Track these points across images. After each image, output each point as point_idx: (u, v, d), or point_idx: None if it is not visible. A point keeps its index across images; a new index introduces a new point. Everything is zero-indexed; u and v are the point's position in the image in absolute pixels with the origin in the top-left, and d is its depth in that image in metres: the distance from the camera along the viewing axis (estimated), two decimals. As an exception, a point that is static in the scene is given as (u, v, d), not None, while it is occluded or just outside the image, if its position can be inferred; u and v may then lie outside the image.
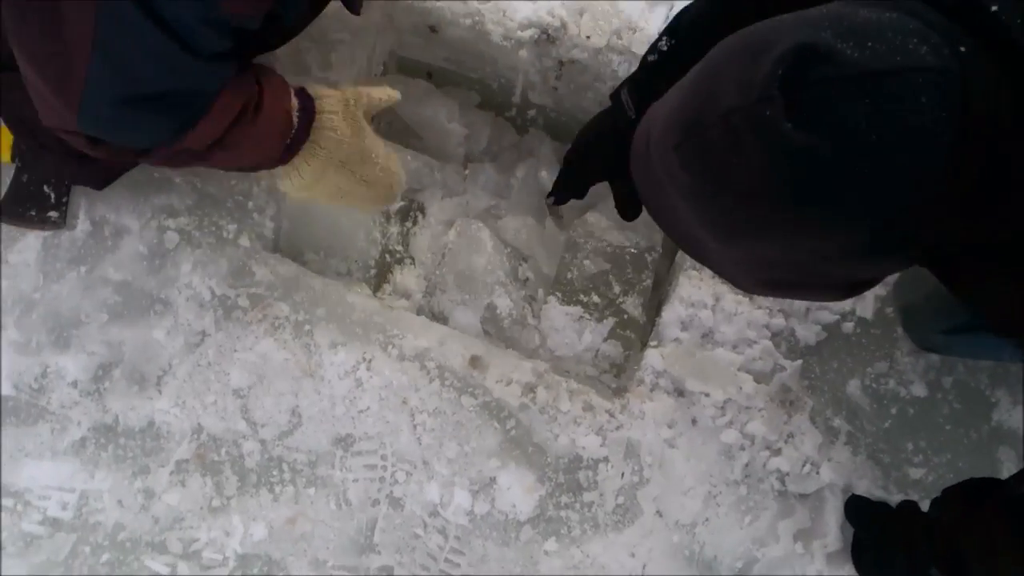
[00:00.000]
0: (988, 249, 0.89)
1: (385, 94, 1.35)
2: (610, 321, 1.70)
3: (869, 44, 0.75)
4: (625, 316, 1.71)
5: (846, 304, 1.54)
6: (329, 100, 1.29)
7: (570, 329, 1.68)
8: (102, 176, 1.50)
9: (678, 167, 0.87)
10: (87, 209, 1.53)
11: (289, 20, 1.20)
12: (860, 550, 1.41)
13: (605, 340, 1.69)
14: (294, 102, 1.26)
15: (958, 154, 0.75)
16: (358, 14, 1.31)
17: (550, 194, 1.46)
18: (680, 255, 1.67)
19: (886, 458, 1.46)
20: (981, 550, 1.13)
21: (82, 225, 1.53)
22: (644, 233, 1.75)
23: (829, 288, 0.94)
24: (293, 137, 1.26)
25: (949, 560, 1.19)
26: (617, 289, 1.72)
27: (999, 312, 0.95)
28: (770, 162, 0.78)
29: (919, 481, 1.45)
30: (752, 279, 0.97)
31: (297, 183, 1.31)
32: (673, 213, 0.93)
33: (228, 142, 1.20)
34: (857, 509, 1.43)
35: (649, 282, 1.74)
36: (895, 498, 1.43)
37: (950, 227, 0.82)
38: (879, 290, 1.55)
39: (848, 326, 1.54)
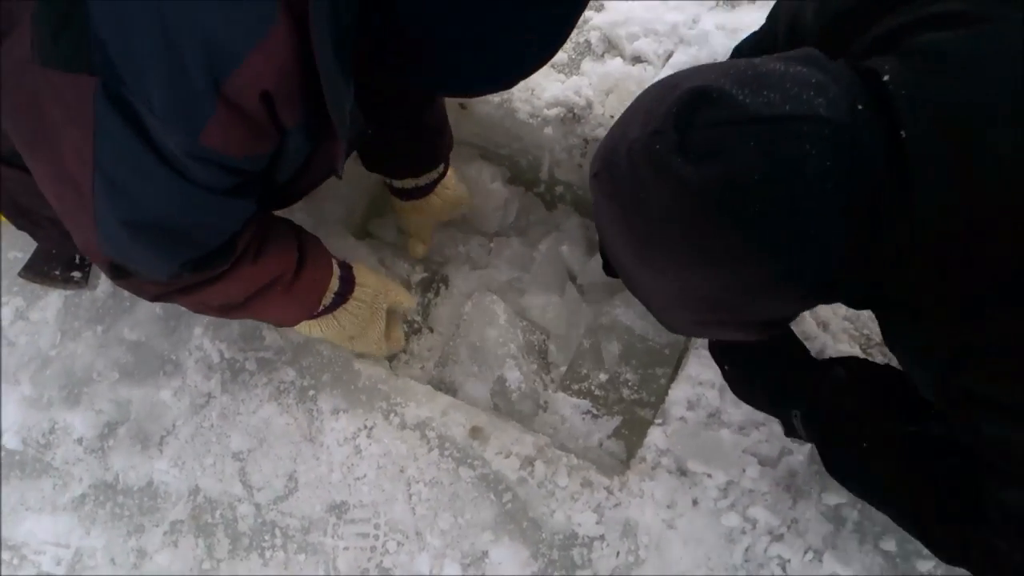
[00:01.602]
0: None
1: (408, 300, 1.54)
2: (618, 419, 1.68)
3: (765, 92, 0.81)
4: (635, 415, 1.68)
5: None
6: (365, 290, 1.45)
7: (576, 420, 1.67)
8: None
9: (600, 196, 0.92)
10: (109, 271, 1.59)
11: (284, 171, 1.16)
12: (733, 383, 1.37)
13: (609, 437, 1.67)
14: (334, 283, 1.39)
15: (845, 202, 0.80)
16: (340, 178, 1.25)
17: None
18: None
19: (894, 549, 1.39)
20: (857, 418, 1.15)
21: (103, 286, 1.59)
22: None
23: (746, 327, 0.98)
24: (319, 312, 1.40)
25: (820, 413, 1.20)
26: (632, 386, 1.70)
27: (896, 349, 0.97)
28: (665, 194, 0.84)
29: (927, 574, 1.37)
30: (681, 319, 1.02)
31: (304, 332, 1.47)
32: (613, 247, 0.97)
33: (251, 305, 1.29)
34: (722, 350, 1.38)
35: (665, 381, 1.71)
36: (903, 591, 1.37)
37: (853, 274, 0.87)
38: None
39: (861, 413, 1.50)
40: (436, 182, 1.65)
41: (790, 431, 1.29)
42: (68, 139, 0.95)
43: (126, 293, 1.57)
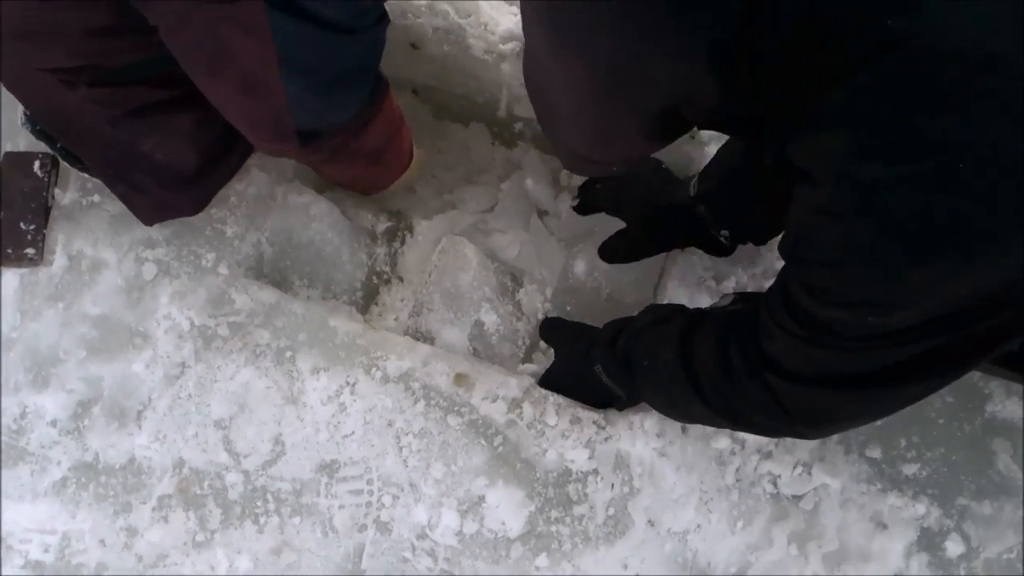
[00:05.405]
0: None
1: None
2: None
3: None
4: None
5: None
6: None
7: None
8: (195, 202, 1.54)
9: None
10: (64, 244, 1.52)
11: None
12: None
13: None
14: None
15: None
16: None
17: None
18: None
19: (878, 455, 1.43)
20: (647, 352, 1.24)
21: (59, 260, 1.52)
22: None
23: (646, 124, 0.94)
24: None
25: (618, 359, 1.31)
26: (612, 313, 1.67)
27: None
28: None
29: (913, 477, 1.42)
30: (584, 127, 0.99)
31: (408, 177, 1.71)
32: (535, 53, 0.94)
33: (393, 143, 1.54)
34: (552, 327, 1.57)
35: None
36: (891, 495, 1.41)
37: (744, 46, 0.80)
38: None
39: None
40: None
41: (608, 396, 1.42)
42: (249, 51, 1.12)
43: (83, 266, 1.51)
